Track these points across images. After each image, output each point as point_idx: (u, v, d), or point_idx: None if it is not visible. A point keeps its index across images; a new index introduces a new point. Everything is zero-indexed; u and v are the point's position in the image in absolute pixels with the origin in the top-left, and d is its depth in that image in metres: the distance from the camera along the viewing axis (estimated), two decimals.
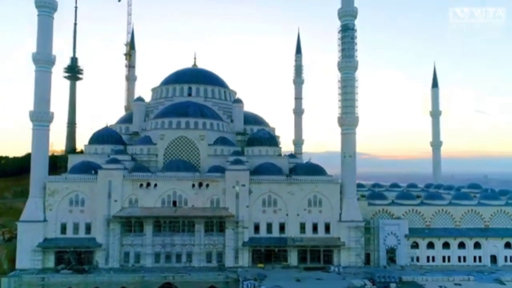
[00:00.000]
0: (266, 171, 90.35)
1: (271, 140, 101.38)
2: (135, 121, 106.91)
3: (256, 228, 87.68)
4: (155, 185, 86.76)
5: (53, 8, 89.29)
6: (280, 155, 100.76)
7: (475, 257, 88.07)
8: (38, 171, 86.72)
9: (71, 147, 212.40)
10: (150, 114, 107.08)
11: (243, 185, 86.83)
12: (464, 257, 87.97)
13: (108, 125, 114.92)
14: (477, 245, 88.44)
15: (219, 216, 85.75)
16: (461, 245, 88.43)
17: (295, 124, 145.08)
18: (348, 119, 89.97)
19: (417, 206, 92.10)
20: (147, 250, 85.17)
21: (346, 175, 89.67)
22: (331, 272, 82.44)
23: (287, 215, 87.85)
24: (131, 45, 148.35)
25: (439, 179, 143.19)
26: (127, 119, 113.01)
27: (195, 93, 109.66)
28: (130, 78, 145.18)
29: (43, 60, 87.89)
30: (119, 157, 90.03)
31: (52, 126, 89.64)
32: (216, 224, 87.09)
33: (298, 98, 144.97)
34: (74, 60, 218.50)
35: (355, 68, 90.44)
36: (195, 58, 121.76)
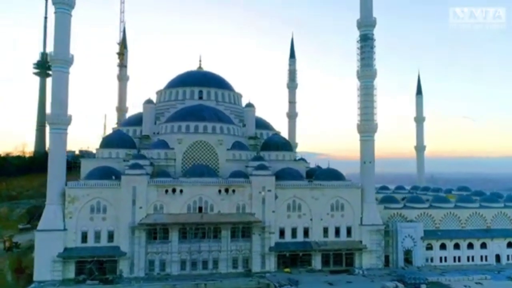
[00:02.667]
0: (288, 176, 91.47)
1: (287, 145, 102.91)
2: (145, 124, 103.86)
3: (281, 233, 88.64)
4: (181, 191, 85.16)
5: (71, 5, 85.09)
6: (295, 159, 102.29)
7: (481, 257, 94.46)
8: (55, 177, 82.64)
9: (41, 148, 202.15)
10: (160, 117, 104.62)
11: (269, 191, 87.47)
12: (472, 257, 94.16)
13: (114, 127, 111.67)
14: (483, 245, 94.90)
15: (247, 221, 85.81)
16: (469, 246, 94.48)
17: (289, 127, 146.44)
18: (367, 126, 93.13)
19: (427, 209, 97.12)
20: (173, 258, 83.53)
21: (365, 180, 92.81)
22: (356, 274, 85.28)
23: (311, 219, 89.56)
24: (123, 44, 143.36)
25: (423, 181, 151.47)
26: (133, 121, 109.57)
27: (206, 96, 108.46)
28: (122, 78, 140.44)
29: (60, 60, 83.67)
30: (140, 162, 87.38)
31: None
32: (242, 229, 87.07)
33: (292, 102, 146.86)
34: (44, 55, 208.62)
35: (374, 76, 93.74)
36: (200, 61, 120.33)
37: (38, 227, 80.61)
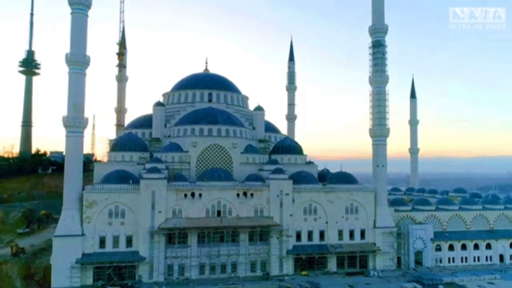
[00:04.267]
0: (304, 180, 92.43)
1: (298, 148, 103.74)
2: (155, 126, 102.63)
3: (298, 236, 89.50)
4: (200, 195, 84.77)
5: (88, 5, 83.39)
6: (306, 163, 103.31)
7: (486, 257, 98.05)
8: (72, 181, 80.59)
9: (26, 149, 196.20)
10: (171, 120, 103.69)
11: (287, 194, 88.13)
12: (478, 257, 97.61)
13: (121, 130, 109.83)
14: (488, 246, 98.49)
15: (266, 225, 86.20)
16: (475, 246, 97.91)
17: (288, 129, 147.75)
18: (379, 131, 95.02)
19: (435, 212, 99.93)
20: (193, 262, 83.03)
21: (378, 184, 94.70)
22: (371, 276, 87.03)
23: (326, 222, 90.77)
24: (123, 44, 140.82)
25: (416, 183, 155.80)
26: (140, 123, 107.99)
27: (215, 99, 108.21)
28: (122, 79, 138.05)
29: (77, 61, 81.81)
30: (158, 165, 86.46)
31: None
32: (260, 233, 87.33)
33: (291, 104, 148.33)
34: (30, 53, 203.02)
35: (386, 82, 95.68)
36: (206, 63, 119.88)
37: (56, 233, 78.45)
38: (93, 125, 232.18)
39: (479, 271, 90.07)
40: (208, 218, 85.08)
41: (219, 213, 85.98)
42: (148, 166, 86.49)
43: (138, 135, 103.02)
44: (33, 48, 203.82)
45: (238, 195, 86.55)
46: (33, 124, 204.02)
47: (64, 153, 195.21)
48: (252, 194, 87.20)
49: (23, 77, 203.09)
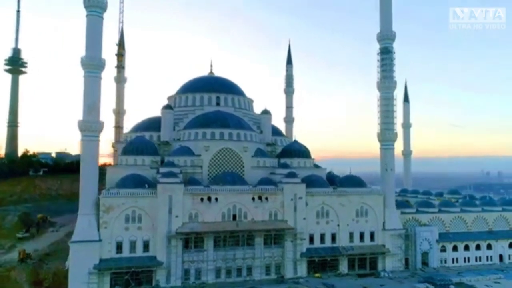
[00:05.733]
0: (316, 184, 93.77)
1: (307, 152, 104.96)
2: (164, 129, 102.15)
3: (311, 239, 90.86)
4: (216, 199, 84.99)
5: (103, 8, 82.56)
6: (315, 166, 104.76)
7: (487, 257, 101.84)
8: (88, 186, 79.54)
9: (12, 150, 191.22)
10: (179, 123, 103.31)
11: (300, 198, 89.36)
12: (480, 257, 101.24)
13: (126, 132, 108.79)
14: (488, 247, 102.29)
15: (280, 229, 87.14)
16: (477, 247, 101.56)
17: (286, 132, 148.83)
18: (387, 135, 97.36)
19: (438, 214, 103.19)
20: (209, 266, 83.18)
21: (386, 187, 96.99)
22: (382, 277, 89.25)
23: (338, 225, 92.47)
24: (121, 45, 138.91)
25: (410, 184, 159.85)
26: (147, 126, 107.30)
27: (223, 102, 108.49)
28: (121, 80, 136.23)
29: (92, 64, 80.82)
30: (173, 170, 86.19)
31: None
32: (274, 236, 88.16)
33: (289, 107, 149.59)
34: (16, 51, 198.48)
35: (394, 88, 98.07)
36: (211, 66, 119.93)
37: (73, 238, 77.21)
38: None
39: (483, 271, 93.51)
40: (224, 222, 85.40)
41: (234, 217, 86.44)
42: (163, 170, 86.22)
43: (146, 138, 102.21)
44: (19, 46, 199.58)
45: (253, 199, 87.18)
46: (19, 124, 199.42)
47: (53, 155, 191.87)
48: (266, 198, 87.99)
49: (9, 76, 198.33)
